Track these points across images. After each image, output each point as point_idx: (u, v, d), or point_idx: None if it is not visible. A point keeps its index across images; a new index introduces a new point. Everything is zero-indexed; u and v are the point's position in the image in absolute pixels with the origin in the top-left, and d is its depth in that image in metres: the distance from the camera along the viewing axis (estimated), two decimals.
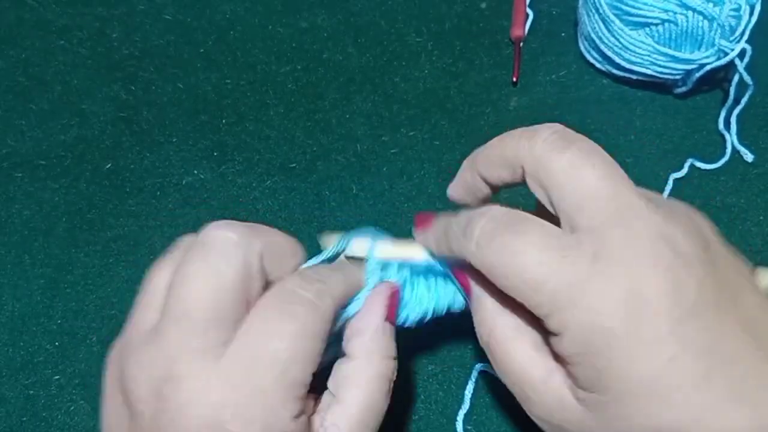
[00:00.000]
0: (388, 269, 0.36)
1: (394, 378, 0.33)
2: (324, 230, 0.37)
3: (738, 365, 0.27)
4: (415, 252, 0.36)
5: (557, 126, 0.31)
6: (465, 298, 0.36)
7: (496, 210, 0.31)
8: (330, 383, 0.33)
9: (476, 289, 0.34)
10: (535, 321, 0.31)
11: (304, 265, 0.34)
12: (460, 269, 0.35)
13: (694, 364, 0.27)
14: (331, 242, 0.36)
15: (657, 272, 0.27)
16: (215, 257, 0.29)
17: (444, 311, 0.37)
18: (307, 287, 0.31)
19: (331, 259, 0.36)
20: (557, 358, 0.30)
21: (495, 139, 0.33)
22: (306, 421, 0.30)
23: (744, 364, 0.27)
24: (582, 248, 0.28)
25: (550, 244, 0.29)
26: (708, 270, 0.28)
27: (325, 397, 0.33)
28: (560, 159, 0.30)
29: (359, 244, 0.36)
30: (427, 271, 0.36)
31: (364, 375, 0.32)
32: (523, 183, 0.32)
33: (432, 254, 0.35)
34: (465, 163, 0.36)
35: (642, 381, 0.27)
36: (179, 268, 0.30)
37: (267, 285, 0.31)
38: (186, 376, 0.28)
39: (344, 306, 0.33)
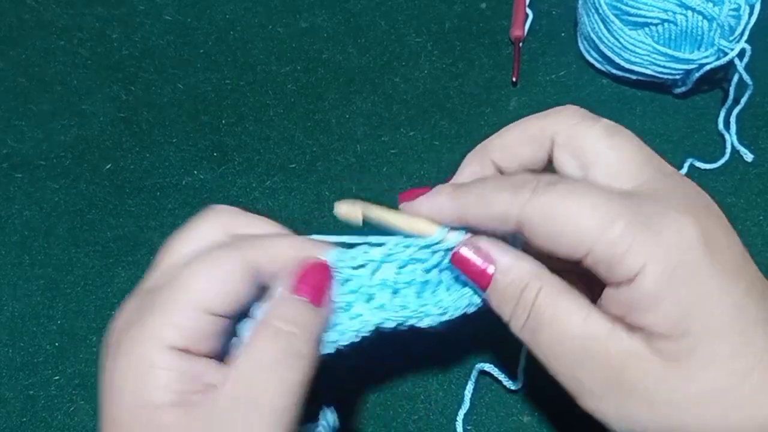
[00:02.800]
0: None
1: (298, 356, 0.30)
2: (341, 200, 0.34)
3: None
4: (421, 226, 0.32)
5: (577, 106, 0.33)
6: (474, 293, 0.34)
7: (543, 174, 0.31)
8: None
9: (506, 258, 0.31)
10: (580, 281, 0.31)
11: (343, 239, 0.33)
12: (476, 244, 0.31)
13: (758, 302, 0.27)
14: (350, 212, 0.33)
15: (711, 214, 0.29)
16: (193, 226, 0.33)
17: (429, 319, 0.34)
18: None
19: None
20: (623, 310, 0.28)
21: (510, 125, 0.34)
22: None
23: None
24: (641, 193, 0.29)
25: (611, 188, 0.29)
26: (733, 230, 0.30)
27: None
28: (596, 127, 0.31)
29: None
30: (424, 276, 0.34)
31: (255, 337, 0.30)
32: (542, 165, 0.33)
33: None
34: (470, 156, 0.35)
35: (727, 315, 0.26)
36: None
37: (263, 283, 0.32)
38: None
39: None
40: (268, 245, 0.32)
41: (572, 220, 0.28)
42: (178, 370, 0.28)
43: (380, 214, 0.33)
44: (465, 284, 0.34)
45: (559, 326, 0.29)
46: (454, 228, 0.32)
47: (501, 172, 0.34)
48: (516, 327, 0.31)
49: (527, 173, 0.31)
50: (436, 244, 0.32)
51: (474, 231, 0.32)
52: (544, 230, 0.29)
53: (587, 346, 0.28)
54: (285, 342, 0.29)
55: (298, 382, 0.29)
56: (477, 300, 0.34)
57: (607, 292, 0.29)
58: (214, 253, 0.31)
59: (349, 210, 0.33)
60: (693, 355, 0.27)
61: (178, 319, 0.29)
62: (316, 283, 0.31)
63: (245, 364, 0.29)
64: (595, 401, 0.29)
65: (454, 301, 0.34)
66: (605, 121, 0.32)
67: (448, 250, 0.32)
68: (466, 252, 0.32)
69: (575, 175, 0.31)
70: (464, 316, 0.35)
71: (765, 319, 0.27)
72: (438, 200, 0.32)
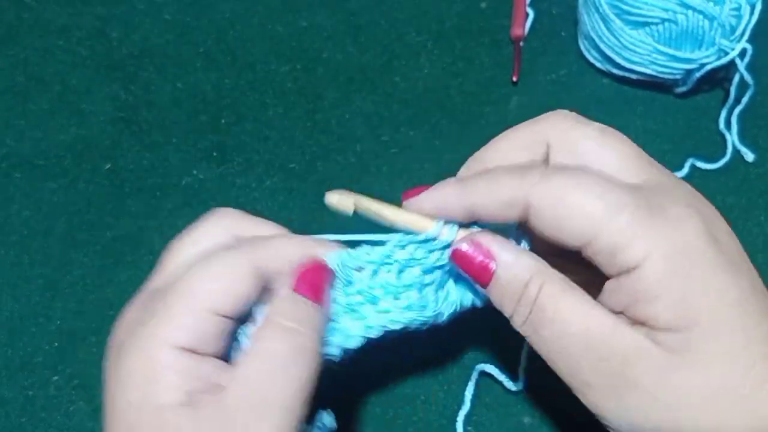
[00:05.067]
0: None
1: (304, 353, 0.30)
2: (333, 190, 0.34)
3: None
4: (416, 221, 0.32)
5: (567, 110, 0.32)
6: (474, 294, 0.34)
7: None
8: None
9: (507, 254, 0.30)
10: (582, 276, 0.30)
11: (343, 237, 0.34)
12: (476, 240, 0.31)
13: (760, 299, 0.27)
14: (341, 203, 0.33)
15: (711, 211, 0.29)
16: (198, 228, 0.33)
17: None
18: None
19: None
20: (625, 304, 0.29)
21: (500, 135, 0.34)
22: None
23: None
24: (644, 187, 0.29)
25: (617, 180, 0.29)
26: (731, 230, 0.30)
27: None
28: (590, 128, 0.31)
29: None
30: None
31: (260, 335, 0.30)
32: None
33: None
34: (463, 170, 0.35)
35: (730, 310, 0.26)
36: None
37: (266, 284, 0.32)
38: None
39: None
40: (273, 246, 0.32)
41: (579, 205, 0.28)
42: (186, 370, 0.28)
43: (373, 206, 0.32)
44: (466, 284, 0.34)
45: (561, 322, 0.29)
46: (447, 223, 0.32)
47: None
48: (518, 323, 0.31)
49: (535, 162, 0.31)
50: (434, 240, 0.32)
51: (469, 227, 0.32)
52: (550, 214, 0.29)
53: (590, 342, 0.28)
54: (291, 339, 0.30)
55: (305, 379, 0.29)
56: (477, 301, 0.34)
57: (608, 285, 0.29)
58: (220, 254, 0.31)
59: (340, 200, 0.33)
60: (696, 349, 0.26)
61: (185, 319, 0.29)
62: (315, 281, 0.32)
63: (253, 363, 0.29)
64: (596, 397, 0.29)
65: (454, 302, 0.34)
66: (597, 123, 0.32)
67: (446, 247, 0.32)
68: (466, 248, 0.31)
69: None
70: (464, 316, 0.35)
71: (766, 315, 0.27)
72: (444, 191, 0.32)
